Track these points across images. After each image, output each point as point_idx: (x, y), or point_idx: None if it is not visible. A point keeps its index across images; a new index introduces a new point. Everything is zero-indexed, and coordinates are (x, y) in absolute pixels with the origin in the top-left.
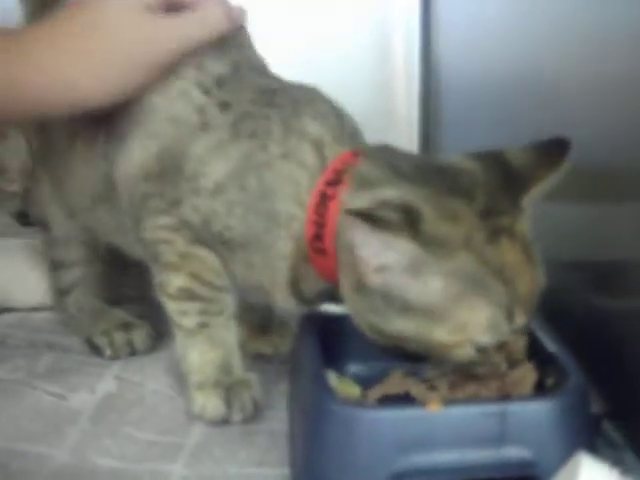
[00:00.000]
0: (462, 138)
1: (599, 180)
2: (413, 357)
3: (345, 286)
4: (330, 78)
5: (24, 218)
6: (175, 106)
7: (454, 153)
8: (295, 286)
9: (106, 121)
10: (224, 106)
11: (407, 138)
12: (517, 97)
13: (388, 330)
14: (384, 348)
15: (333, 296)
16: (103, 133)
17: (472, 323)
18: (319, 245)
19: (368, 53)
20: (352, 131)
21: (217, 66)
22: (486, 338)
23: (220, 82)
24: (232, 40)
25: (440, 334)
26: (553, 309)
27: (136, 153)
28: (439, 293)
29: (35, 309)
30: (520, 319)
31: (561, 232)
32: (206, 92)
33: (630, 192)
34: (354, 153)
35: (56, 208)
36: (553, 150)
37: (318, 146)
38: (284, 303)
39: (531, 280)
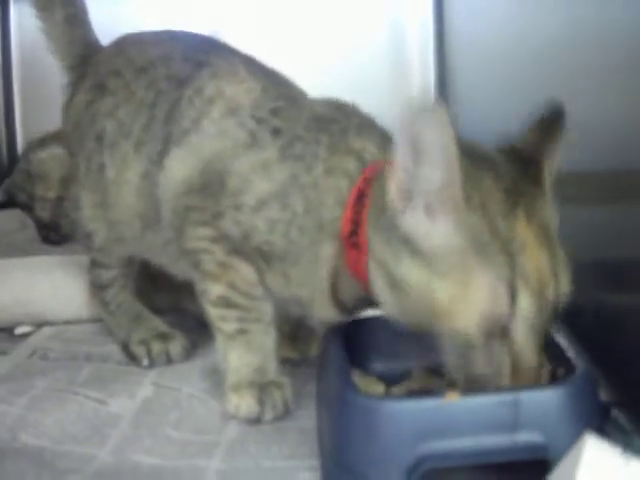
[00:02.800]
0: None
1: (611, 181)
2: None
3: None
4: (345, 77)
5: (49, 231)
6: (225, 125)
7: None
8: (335, 294)
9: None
10: (275, 132)
11: None
12: (531, 86)
13: (399, 275)
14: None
15: (369, 302)
16: (151, 161)
17: (472, 291)
18: (354, 240)
19: (383, 57)
20: (390, 140)
21: (273, 102)
22: (486, 310)
23: (275, 112)
24: (280, 79)
25: (439, 294)
26: (567, 305)
27: (179, 168)
28: (444, 239)
29: (71, 322)
30: (526, 302)
31: (573, 232)
32: (259, 121)
33: (638, 195)
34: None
35: (99, 227)
36: (551, 122)
37: (359, 154)
38: (324, 314)
39: (544, 265)
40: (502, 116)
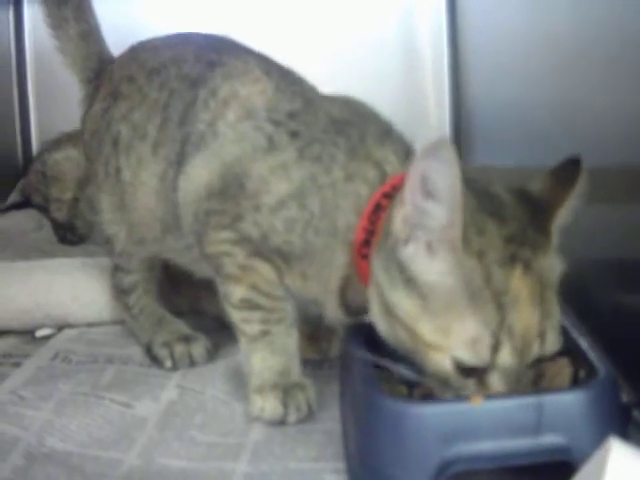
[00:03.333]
0: (491, 148)
1: (626, 181)
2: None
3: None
4: (361, 88)
5: (65, 231)
6: (243, 128)
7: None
8: (343, 296)
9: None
10: (294, 134)
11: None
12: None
13: (391, 301)
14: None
15: None
16: (169, 163)
17: (455, 332)
18: (366, 251)
19: (397, 66)
20: (410, 151)
21: (289, 103)
22: (464, 354)
23: (292, 115)
24: (294, 76)
25: (424, 327)
26: (586, 306)
27: (199, 174)
28: (439, 278)
29: (92, 325)
30: (507, 358)
31: (591, 232)
32: (277, 124)
33: None
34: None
35: (119, 230)
36: (567, 171)
37: (380, 164)
38: (333, 313)
39: (531, 321)
40: (516, 106)
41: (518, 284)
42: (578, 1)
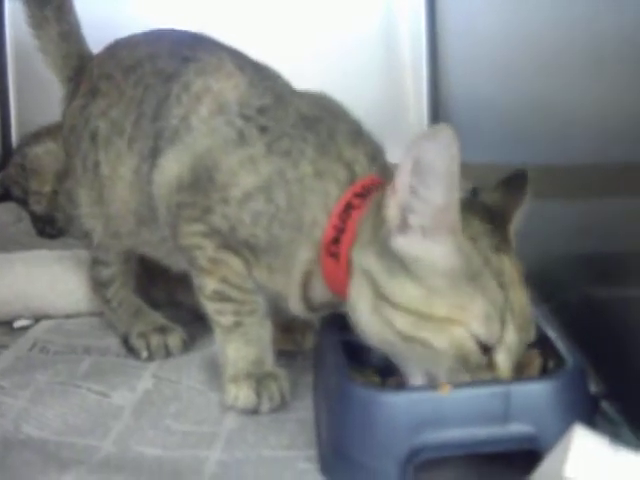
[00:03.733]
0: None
1: (597, 178)
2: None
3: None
4: (340, 86)
5: (44, 224)
6: (214, 123)
7: None
8: (306, 291)
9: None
10: (263, 129)
11: None
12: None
13: (389, 289)
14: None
15: (336, 307)
16: (142, 157)
17: (469, 307)
18: (334, 249)
19: (377, 64)
20: (379, 152)
21: (260, 98)
22: (481, 330)
23: (262, 110)
24: (268, 72)
25: (438, 305)
26: (556, 299)
27: (170, 166)
28: (441, 260)
29: (70, 316)
30: (512, 335)
31: (559, 228)
32: (247, 119)
33: (623, 189)
34: (382, 175)
35: (96, 223)
36: (516, 183)
37: (350, 165)
38: (295, 308)
39: (524, 303)
40: (493, 104)
41: (509, 268)
42: (557, 2)
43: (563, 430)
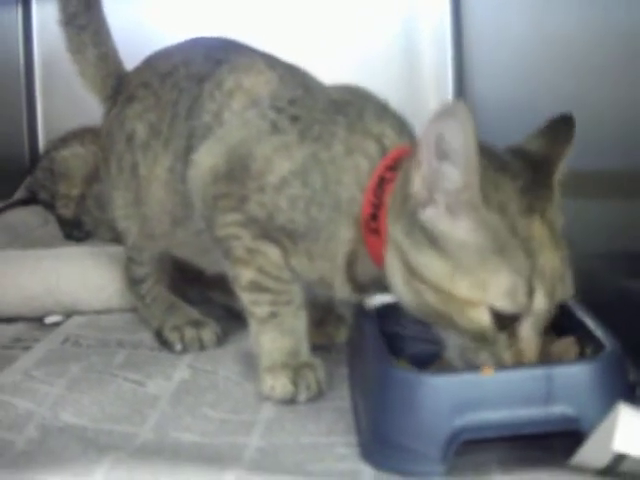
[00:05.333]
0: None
1: (628, 180)
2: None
3: (392, 236)
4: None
5: (72, 228)
6: (247, 116)
7: None
8: (351, 272)
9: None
10: (294, 119)
11: None
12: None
13: (417, 265)
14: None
15: (384, 285)
16: (177, 156)
17: (491, 283)
18: (374, 225)
19: (399, 67)
20: (406, 127)
21: (290, 91)
22: (503, 303)
23: (292, 101)
24: (298, 70)
25: (459, 285)
26: (593, 293)
27: (204, 159)
28: (465, 237)
29: (101, 312)
30: (540, 301)
31: (597, 225)
32: (279, 111)
33: None
34: (411, 146)
35: (131, 224)
36: (561, 129)
37: (379, 138)
38: (341, 291)
39: (556, 264)
40: (518, 107)
41: (539, 230)
42: (582, 2)
43: (604, 412)
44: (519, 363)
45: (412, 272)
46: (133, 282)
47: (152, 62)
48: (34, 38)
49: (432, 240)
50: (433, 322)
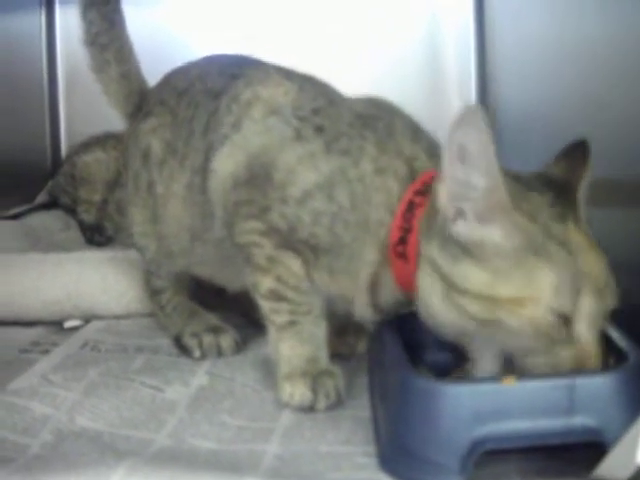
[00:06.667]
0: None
1: None
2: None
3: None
4: (381, 78)
5: (93, 233)
6: (269, 122)
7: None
8: (374, 294)
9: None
10: (319, 129)
11: None
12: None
13: (456, 277)
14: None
15: (407, 306)
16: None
17: (538, 282)
18: (402, 249)
19: (422, 71)
20: (437, 147)
21: (312, 101)
22: (553, 301)
23: (316, 111)
24: (316, 81)
25: (506, 287)
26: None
27: (225, 166)
28: (500, 242)
29: (120, 317)
30: (589, 301)
31: (620, 234)
32: (302, 119)
33: None
34: None
35: (149, 242)
36: (578, 153)
37: (409, 161)
38: (362, 311)
39: (599, 266)
40: (543, 113)
41: (576, 236)
42: (607, 5)
43: (626, 423)
44: (581, 368)
45: (451, 286)
46: (153, 292)
47: (170, 79)
48: (57, 43)
49: (467, 251)
50: (471, 339)
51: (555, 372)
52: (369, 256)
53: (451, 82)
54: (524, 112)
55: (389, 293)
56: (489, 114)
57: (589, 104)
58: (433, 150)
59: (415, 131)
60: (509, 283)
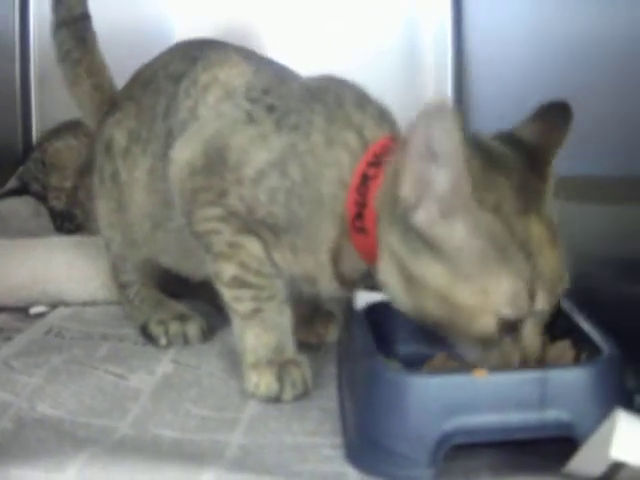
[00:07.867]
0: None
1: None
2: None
3: (383, 244)
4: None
5: (63, 220)
6: (222, 108)
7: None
8: (337, 267)
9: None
10: (270, 108)
11: None
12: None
13: (415, 272)
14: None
15: (372, 279)
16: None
17: (493, 290)
18: (360, 224)
19: (399, 65)
20: (387, 115)
21: (265, 81)
22: (507, 310)
23: (267, 91)
24: (276, 64)
25: (461, 292)
26: (589, 297)
27: (181, 154)
28: (462, 241)
29: (87, 304)
30: (542, 302)
31: (594, 231)
32: (253, 101)
33: None
34: (393, 137)
35: (115, 233)
36: (557, 116)
37: (359, 130)
38: (327, 287)
39: (555, 263)
40: (519, 113)
41: (537, 230)
42: (583, 0)
43: (599, 418)
44: (523, 363)
45: (411, 279)
46: (120, 286)
47: (137, 73)
48: (30, 29)
49: (429, 244)
50: (433, 327)
51: (502, 365)
52: (328, 231)
53: (429, 78)
54: (501, 109)
55: (353, 264)
56: (464, 110)
57: (568, 101)
58: (381, 116)
59: (366, 100)
60: (466, 289)
